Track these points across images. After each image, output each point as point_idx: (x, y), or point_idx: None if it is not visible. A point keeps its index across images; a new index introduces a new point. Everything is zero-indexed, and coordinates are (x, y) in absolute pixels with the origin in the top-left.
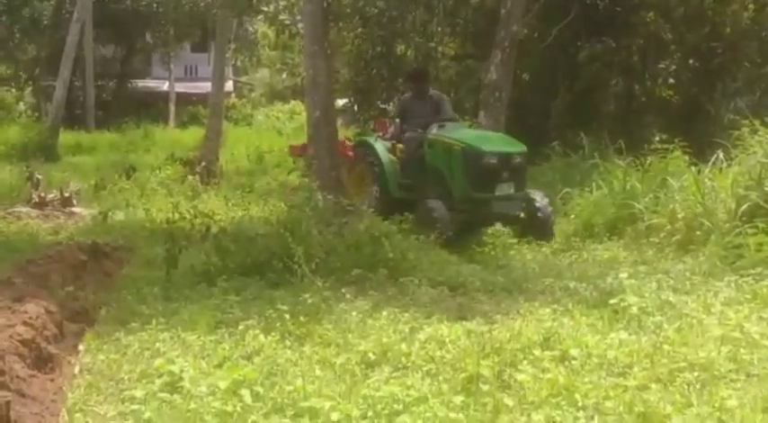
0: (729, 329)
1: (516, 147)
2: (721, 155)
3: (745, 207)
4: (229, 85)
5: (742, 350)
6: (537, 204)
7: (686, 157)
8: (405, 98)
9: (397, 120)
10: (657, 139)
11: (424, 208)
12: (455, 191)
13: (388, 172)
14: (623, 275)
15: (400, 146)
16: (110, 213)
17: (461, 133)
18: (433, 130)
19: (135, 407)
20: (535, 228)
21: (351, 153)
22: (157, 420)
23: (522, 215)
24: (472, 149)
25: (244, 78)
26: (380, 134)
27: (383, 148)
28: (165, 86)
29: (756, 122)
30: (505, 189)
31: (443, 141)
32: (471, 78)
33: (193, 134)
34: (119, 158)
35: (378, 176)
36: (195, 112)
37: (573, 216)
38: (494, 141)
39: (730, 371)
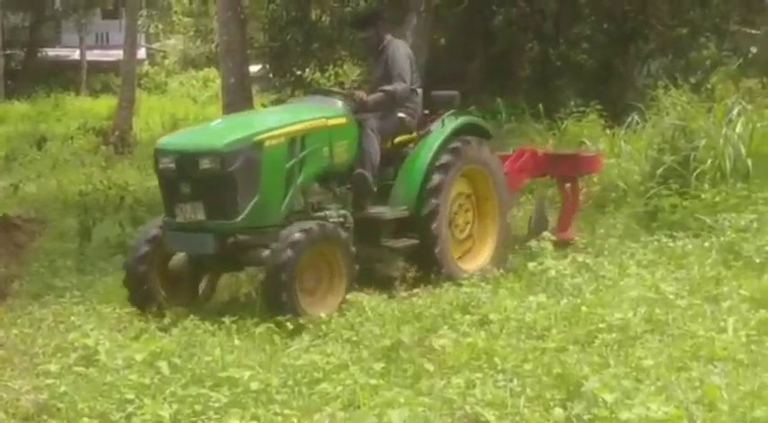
0: (645, 290)
1: (213, 140)
2: (636, 117)
3: (660, 170)
4: (142, 53)
5: (657, 310)
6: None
7: (602, 120)
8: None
9: None
10: (573, 103)
11: None
12: None
13: None
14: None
15: None
16: (21, 185)
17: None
18: None
19: (50, 381)
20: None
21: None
22: (73, 394)
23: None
24: None
25: (156, 45)
26: None
27: None
28: (77, 54)
29: (669, 84)
30: (188, 213)
31: None
32: None
33: (106, 103)
34: (29, 129)
35: None
36: (107, 80)
37: None
38: (189, 133)
39: (646, 331)
